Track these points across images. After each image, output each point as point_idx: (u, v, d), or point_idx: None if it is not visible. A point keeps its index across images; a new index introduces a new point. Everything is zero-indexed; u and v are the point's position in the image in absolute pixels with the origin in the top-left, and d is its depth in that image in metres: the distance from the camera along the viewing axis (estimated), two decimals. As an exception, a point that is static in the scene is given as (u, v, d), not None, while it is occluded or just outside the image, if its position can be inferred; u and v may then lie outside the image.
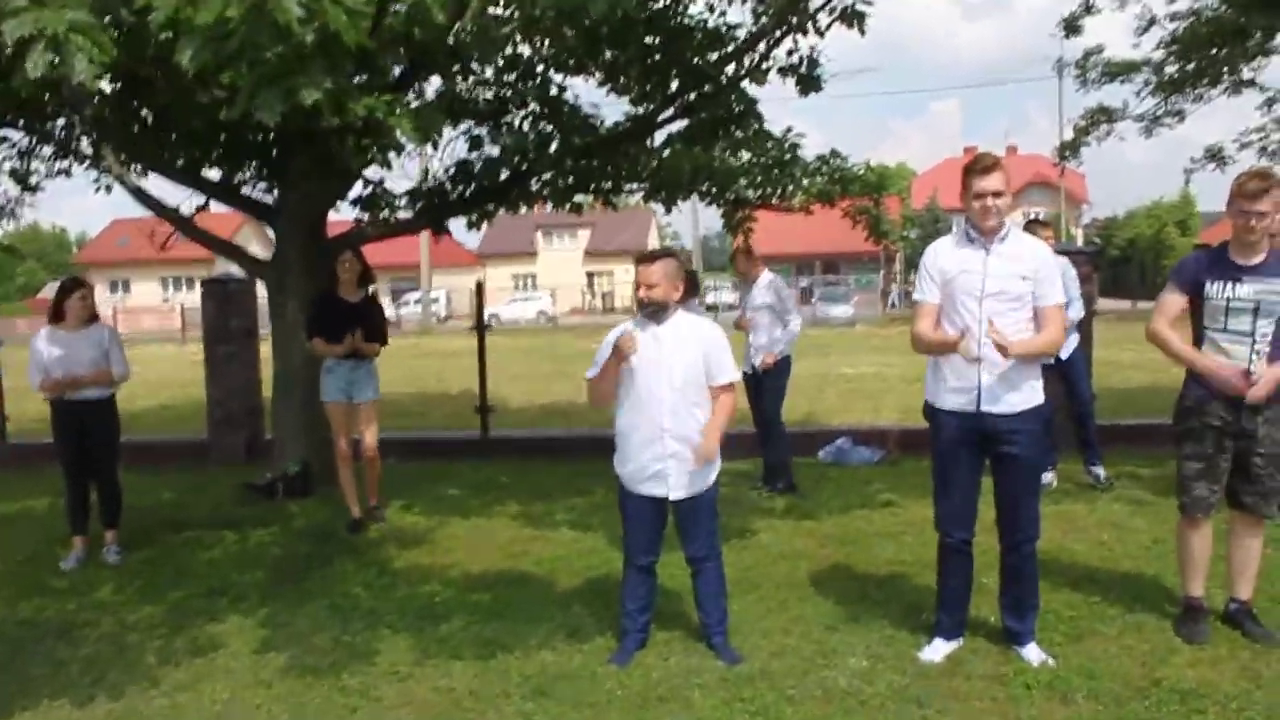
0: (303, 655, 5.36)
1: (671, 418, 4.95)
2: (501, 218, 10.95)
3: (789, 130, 10.39)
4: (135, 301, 62.70)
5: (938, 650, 5.04)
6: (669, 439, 4.96)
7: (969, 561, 5.09)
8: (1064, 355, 7.81)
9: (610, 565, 6.53)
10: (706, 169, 9.86)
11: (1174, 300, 5.17)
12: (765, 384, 8.66)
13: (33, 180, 10.98)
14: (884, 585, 6.16)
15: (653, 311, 4.99)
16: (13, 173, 10.87)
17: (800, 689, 4.70)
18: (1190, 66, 12.97)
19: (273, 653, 5.42)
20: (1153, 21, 13.08)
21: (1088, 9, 13.42)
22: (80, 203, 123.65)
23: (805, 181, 10.69)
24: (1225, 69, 12.99)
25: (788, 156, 10.46)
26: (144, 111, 8.80)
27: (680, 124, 9.89)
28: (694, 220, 61.84)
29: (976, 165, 4.77)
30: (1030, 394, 4.85)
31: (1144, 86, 13.62)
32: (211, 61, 4.06)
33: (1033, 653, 4.94)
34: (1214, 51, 12.59)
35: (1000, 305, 4.74)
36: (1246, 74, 13.17)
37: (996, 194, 4.70)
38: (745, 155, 10.49)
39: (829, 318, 42.05)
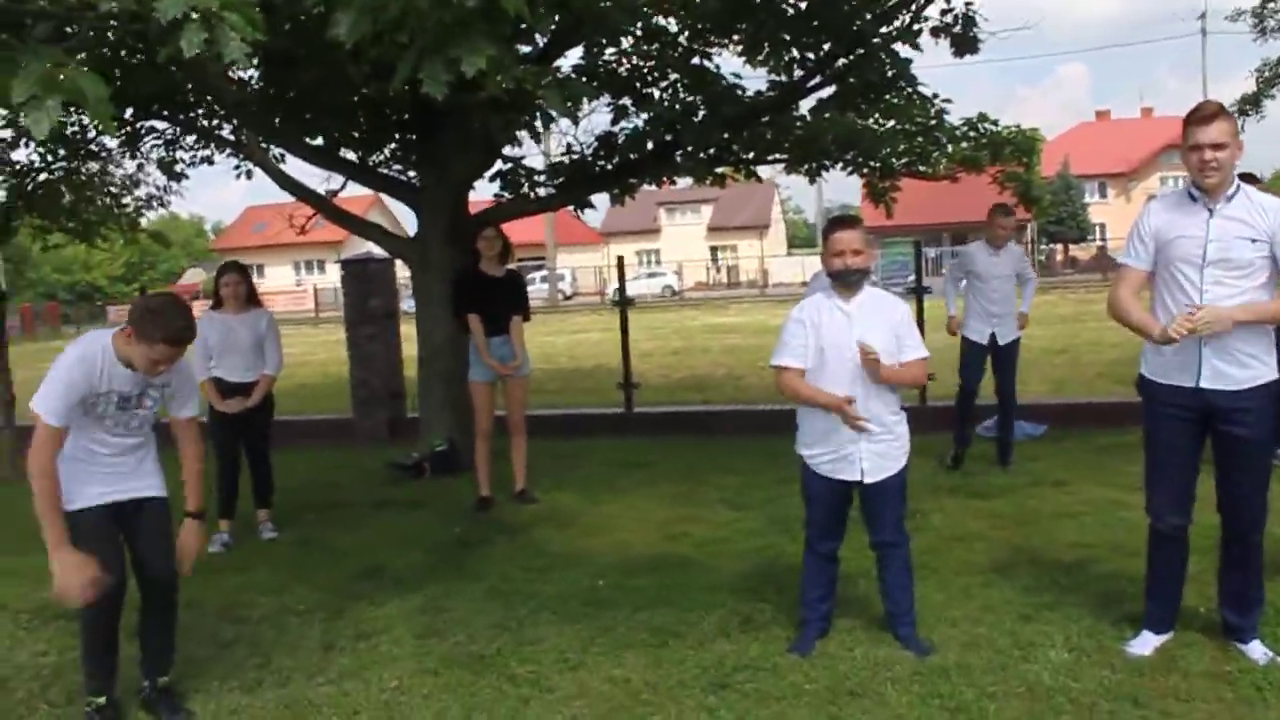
0: (467, 642, 5.19)
1: (861, 398, 4.60)
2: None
3: (935, 96, 9.95)
4: (269, 285, 64.34)
5: (1147, 643, 4.61)
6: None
7: (1184, 549, 4.63)
8: None
9: (775, 548, 6.26)
10: (852, 137, 9.47)
11: None
12: (1004, 355, 8.25)
13: (178, 169, 11.17)
14: (1072, 571, 5.74)
15: (853, 281, 4.64)
16: (160, 162, 11.05)
17: (1001, 685, 4.35)
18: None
19: (436, 639, 5.26)
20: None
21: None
22: (216, 193, 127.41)
23: (951, 148, 10.25)
24: None
25: (933, 122, 10.03)
26: (286, 94, 8.77)
27: (828, 91, 9.47)
28: (819, 193, 60.87)
29: (1195, 114, 4.26)
30: (1260, 369, 4.35)
31: None
32: (370, 32, 3.87)
33: (1257, 650, 4.48)
34: None
35: (1224, 274, 4.24)
36: None
37: (1217, 146, 4.18)
38: (891, 122, 10.07)
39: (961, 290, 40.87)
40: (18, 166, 10.40)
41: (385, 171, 10.22)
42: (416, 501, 8.29)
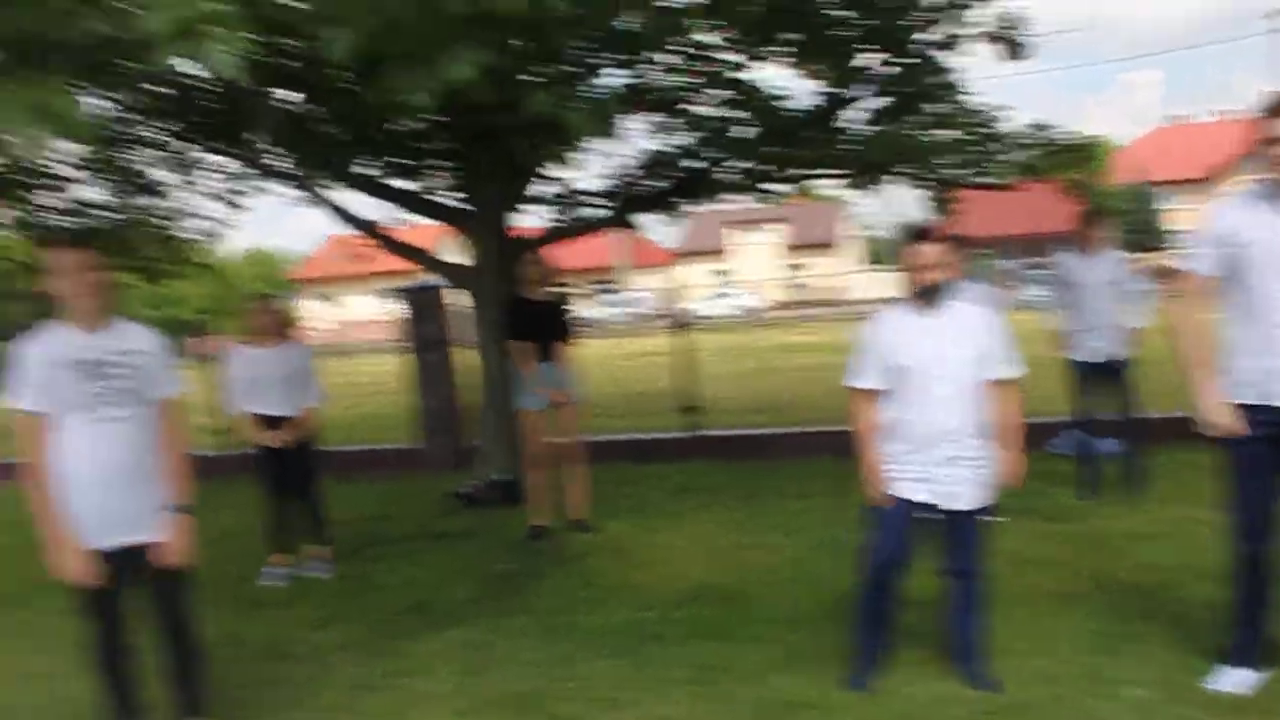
0: (509, 681, 5.00)
1: (948, 419, 4.33)
2: (696, 215, 10.49)
3: (986, 105, 9.58)
4: (351, 314, 65.15)
5: (1235, 680, 4.27)
6: (945, 443, 4.35)
7: (1270, 574, 4.29)
8: None
9: (839, 577, 5.93)
10: (905, 148, 9.15)
11: None
12: (1124, 371, 7.66)
13: (235, 200, 11.21)
14: (1151, 597, 5.40)
15: (932, 297, 4.38)
16: (218, 194, 11.10)
17: (1070, 724, 4.06)
18: None
19: (475, 677, 5.09)
20: None
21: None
22: (299, 223, 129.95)
23: (1011, 155, 9.87)
24: None
25: (989, 130, 9.66)
26: (321, 125, 8.72)
27: (878, 102, 9.13)
28: (893, 208, 60.13)
29: (1273, 106, 3.96)
30: None
31: None
32: (365, 50, 3.72)
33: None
34: None
35: None
36: None
37: None
38: (945, 132, 9.71)
39: (1038, 301, 39.95)
40: (80, 204, 10.50)
41: (436, 200, 10.12)
42: (471, 532, 8.14)
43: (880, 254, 73.17)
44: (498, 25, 3.60)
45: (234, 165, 10.58)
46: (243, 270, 69.34)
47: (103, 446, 4.14)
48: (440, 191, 9.88)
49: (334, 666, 5.42)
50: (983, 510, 4.46)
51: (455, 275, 9.87)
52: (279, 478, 7.22)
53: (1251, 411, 4.12)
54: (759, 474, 9.31)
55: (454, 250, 11.76)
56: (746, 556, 6.78)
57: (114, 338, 4.23)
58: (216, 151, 9.81)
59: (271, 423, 7.10)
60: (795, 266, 66.14)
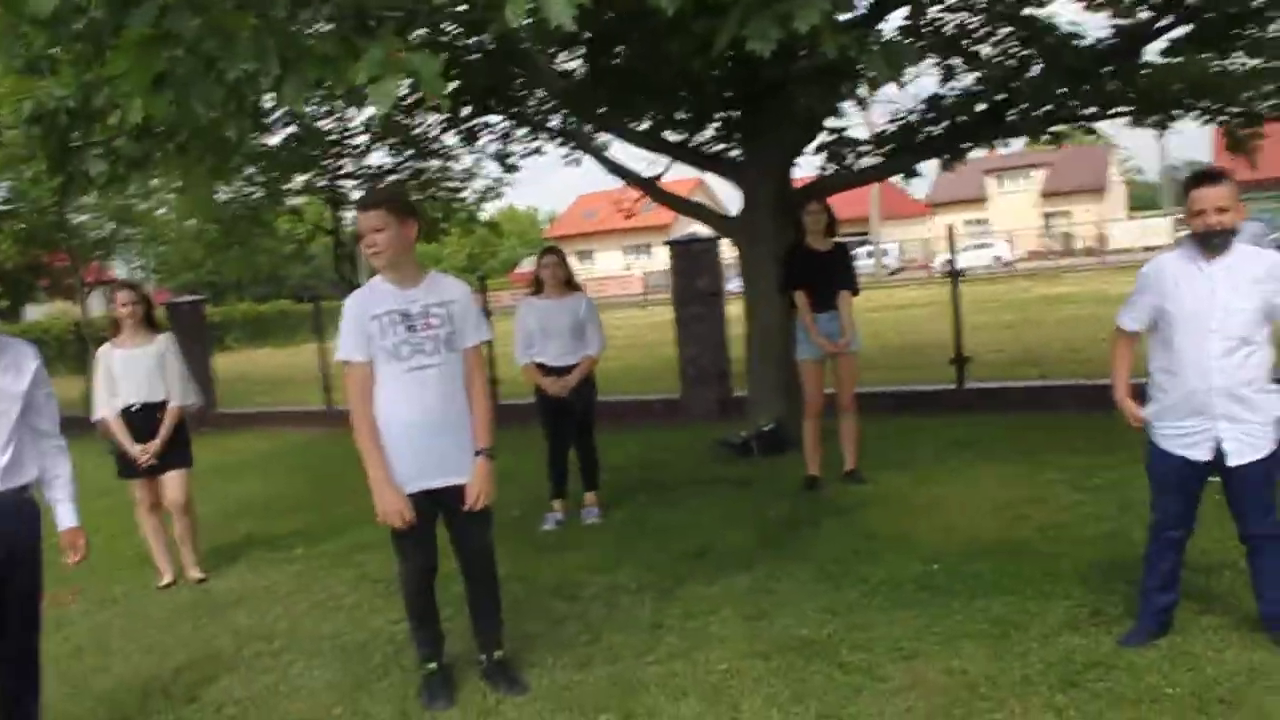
0: (796, 625, 5.07)
1: (1222, 374, 4.13)
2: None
3: None
4: (598, 270, 66.66)
5: None
6: (1218, 397, 4.15)
7: None
8: None
9: (1127, 535, 5.74)
10: (1208, 81, 8.55)
11: None
12: None
13: (510, 160, 11.66)
14: None
15: (1218, 244, 4.16)
16: (495, 155, 11.58)
17: None
18: None
19: (765, 621, 5.19)
20: None
21: None
22: (548, 185, 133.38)
23: None
24: None
25: None
26: (608, 78, 8.92)
27: (1180, 31, 8.57)
28: (1162, 151, 56.45)
29: (1196, 177, 3.96)
30: None
31: None
32: (691, 1, 3.79)
33: None
34: None
35: None
36: None
37: None
38: (1255, 60, 9.01)
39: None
40: (371, 169, 11.18)
41: (709, 151, 10.22)
42: (744, 481, 8.26)
43: (1149, 199, 69.06)
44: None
45: (509, 126, 11.01)
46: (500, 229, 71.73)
47: (417, 393, 4.40)
48: (717, 144, 9.96)
49: (623, 607, 5.62)
50: (1262, 469, 4.22)
51: (728, 227, 9.95)
52: (560, 426, 7.51)
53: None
54: (1035, 428, 9.05)
55: (708, 203, 11.87)
56: (1032, 511, 6.61)
57: (428, 290, 4.50)
58: (495, 112, 10.20)
59: (557, 372, 7.37)
60: (1056, 214, 63.22)
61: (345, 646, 5.45)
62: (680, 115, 9.57)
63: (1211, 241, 4.15)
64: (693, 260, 11.69)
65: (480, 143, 11.31)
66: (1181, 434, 4.30)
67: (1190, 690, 4.00)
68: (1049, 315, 20.45)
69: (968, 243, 56.51)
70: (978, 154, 10.26)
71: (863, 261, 52.83)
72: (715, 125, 9.88)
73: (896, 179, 10.01)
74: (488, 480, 4.54)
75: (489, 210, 18.19)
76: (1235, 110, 9.15)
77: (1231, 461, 4.21)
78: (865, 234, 52.90)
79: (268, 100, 6.02)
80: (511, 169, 11.74)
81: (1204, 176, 4.22)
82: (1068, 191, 62.90)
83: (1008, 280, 36.93)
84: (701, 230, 11.36)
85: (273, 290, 55.46)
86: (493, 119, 10.78)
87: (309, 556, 7.38)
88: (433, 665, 4.68)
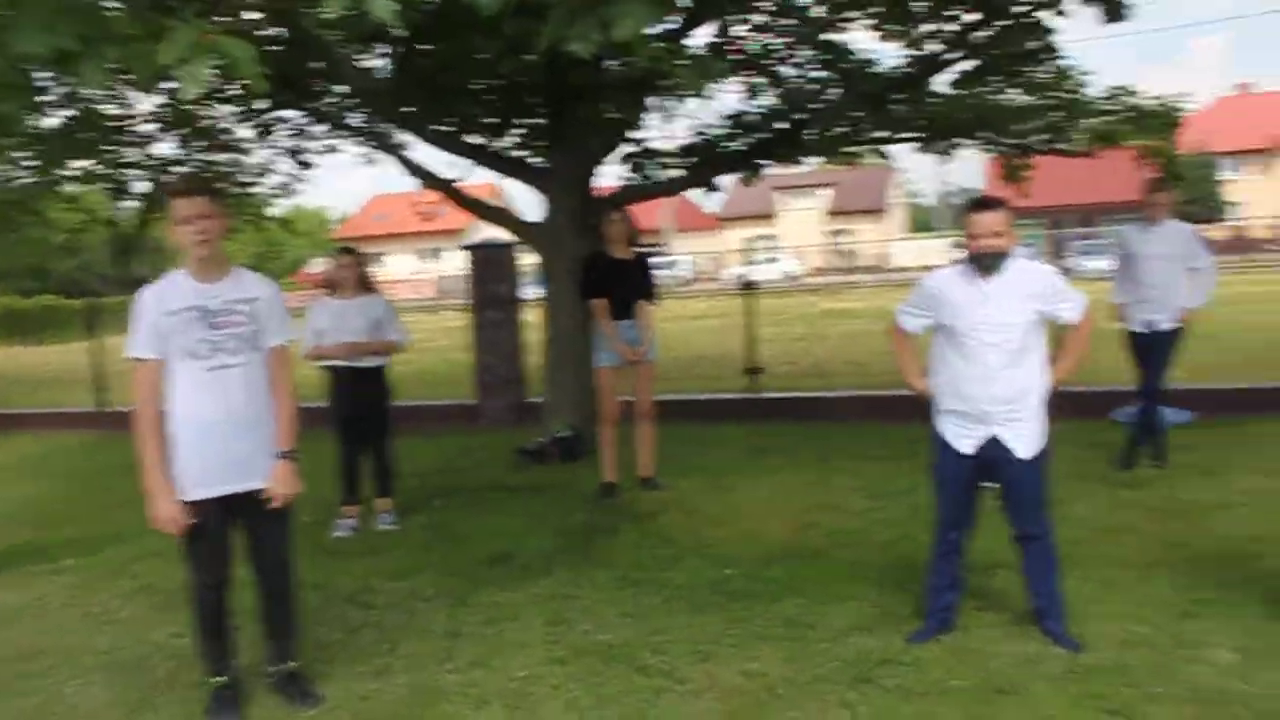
0: (596, 631, 5.08)
1: (1002, 383, 4.43)
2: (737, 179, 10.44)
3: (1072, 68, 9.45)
4: (391, 273, 65.57)
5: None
6: (997, 405, 4.44)
7: None
8: None
9: (916, 540, 5.97)
10: (990, 113, 9.07)
11: None
12: (1160, 346, 7.50)
13: (304, 158, 11.31)
14: (1232, 565, 5.40)
15: (991, 265, 4.42)
16: (290, 150, 11.21)
17: (1163, 686, 4.08)
18: None
19: (564, 627, 5.17)
20: None
21: None
22: (341, 184, 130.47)
23: (1092, 122, 9.77)
24: None
25: (1072, 95, 9.56)
26: (416, 78, 8.76)
27: (969, 65, 9.04)
28: (939, 176, 59.42)
29: (972, 205, 4.32)
30: None
31: None
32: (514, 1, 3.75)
33: None
34: None
35: None
36: None
37: None
38: (1028, 97, 9.61)
39: (1085, 271, 39.54)
40: (157, 160, 10.63)
41: (511, 156, 10.16)
42: (540, 487, 8.23)
43: (926, 222, 72.52)
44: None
45: (306, 122, 10.68)
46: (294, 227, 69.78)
47: (220, 393, 4.21)
48: (522, 149, 9.91)
49: (422, 614, 5.51)
50: (1036, 469, 4.52)
51: (527, 232, 9.91)
52: (354, 429, 7.32)
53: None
54: (827, 436, 9.34)
55: (513, 208, 11.80)
56: (825, 518, 6.82)
57: (232, 285, 4.30)
58: (291, 107, 9.88)
59: (349, 375, 7.18)
60: (840, 232, 65.65)
61: (123, 662, 5.14)
62: (485, 119, 9.48)
63: (986, 263, 4.42)
64: (491, 265, 11.58)
65: (273, 137, 10.93)
66: (963, 438, 4.56)
67: (973, 682, 4.22)
68: (834, 329, 21.16)
69: (763, 256, 58.19)
70: (771, 170, 10.52)
71: (666, 272, 53.73)
72: (520, 131, 9.84)
73: (693, 192, 10.20)
74: (290, 482, 4.37)
75: (279, 209, 17.58)
76: (1010, 142, 9.72)
77: (1012, 457, 4.48)
78: (658, 245, 53.68)
79: (45, 78, 5.64)
80: (305, 165, 11.39)
81: (981, 203, 4.50)
82: (851, 211, 65.44)
83: (796, 294, 38.09)
84: (499, 235, 11.28)
85: (38, 285, 52.23)
86: (289, 114, 10.43)
87: (82, 568, 6.92)
88: (222, 679, 4.47)
